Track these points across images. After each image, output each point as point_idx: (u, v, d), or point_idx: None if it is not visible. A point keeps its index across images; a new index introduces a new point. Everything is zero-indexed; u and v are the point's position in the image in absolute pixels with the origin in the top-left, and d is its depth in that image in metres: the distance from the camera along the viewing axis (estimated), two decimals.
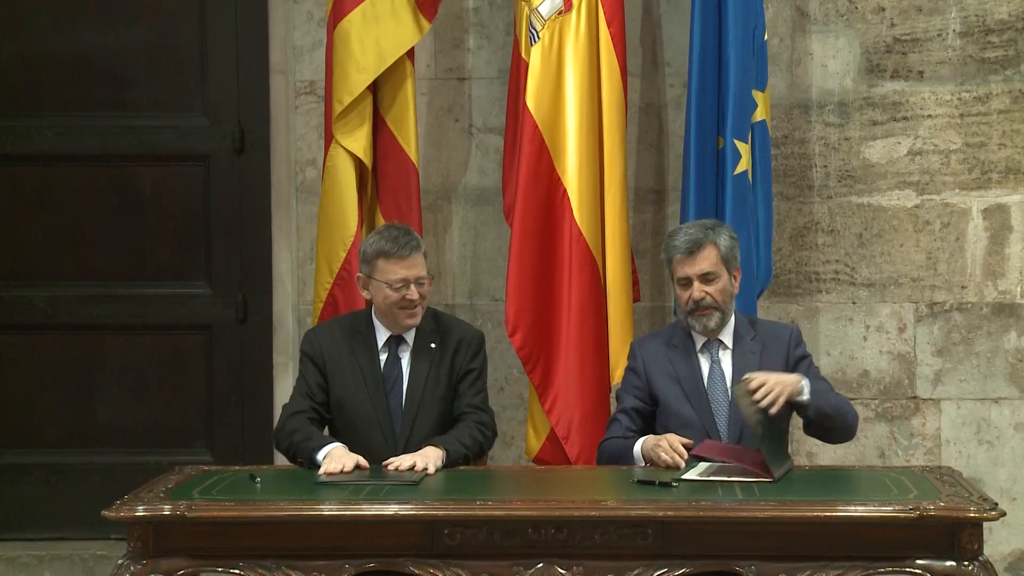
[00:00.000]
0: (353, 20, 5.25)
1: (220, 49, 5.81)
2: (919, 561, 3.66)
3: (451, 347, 4.60)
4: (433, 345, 4.58)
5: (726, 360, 4.49)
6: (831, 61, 5.59)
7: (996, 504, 3.71)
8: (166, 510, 3.76)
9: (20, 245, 5.87)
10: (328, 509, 3.78)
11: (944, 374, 5.61)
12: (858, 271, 5.62)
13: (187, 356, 5.88)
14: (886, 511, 3.68)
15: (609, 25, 5.25)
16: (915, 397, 5.62)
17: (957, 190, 5.57)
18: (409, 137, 5.33)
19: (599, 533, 3.71)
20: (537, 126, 5.19)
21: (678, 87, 5.60)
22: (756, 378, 4.16)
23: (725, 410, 4.43)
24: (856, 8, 5.57)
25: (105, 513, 3.79)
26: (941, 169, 5.57)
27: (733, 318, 4.53)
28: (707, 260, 4.44)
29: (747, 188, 5.21)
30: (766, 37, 5.34)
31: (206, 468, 4.35)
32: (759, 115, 5.27)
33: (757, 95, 5.25)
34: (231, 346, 5.85)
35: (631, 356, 4.66)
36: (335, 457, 4.21)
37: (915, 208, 5.59)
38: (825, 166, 5.61)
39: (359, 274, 4.59)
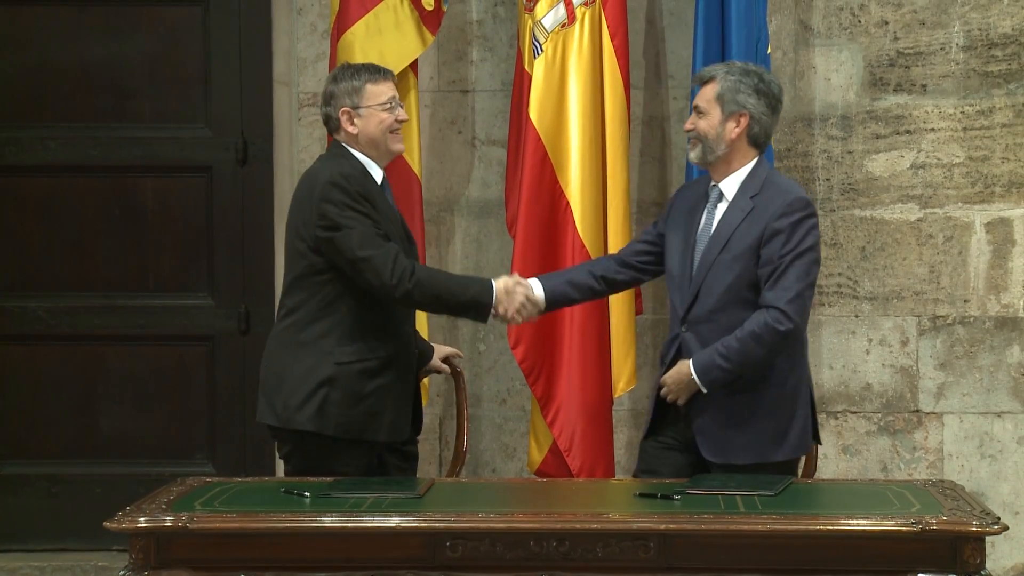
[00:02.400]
0: (357, 32, 5.26)
1: (223, 60, 5.81)
2: (921, 575, 3.65)
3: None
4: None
5: (720, 211, 4.42)
6: (834, 74, 5.60)
7: (999, 518, 3.70)
8: (168, 521, 3.75)
9: (22, 255, 5.87)
10: (330, 521, 3.77)
11: (947, 388, 5.60)
12: (861, 284, 5.61)
13: (189, 367, 5.87)
14: (888, 525, 3.67)
15: (612, 38, 5.26)
16: (917, 411, 5.61)
17: (960, 204, 5.57)
18: (412, 149, 5.33)
19: (601, 546, 3.71)
20: (540, 138, 5.21)
21: (681, 99, 5.60)
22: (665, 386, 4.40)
23: (700, 262, 4.41)
24: (859, 22, 5.58)
25: (107, 524, 3.78)
26: (944, 183, 5.57)
27: (747, 168, 4.42)
28: (702, 96, 4.45)
29: None
30: (769, 50, 5.35)
31: (208, 480, 4.34)
32: None
33: None
34: (233, 357, 5.85)
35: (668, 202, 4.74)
36: (511, 294, 4.47)
37: (918, 221, 5.59)
38: (828, 179, 5.61)
39: (344, 109, 4.45)
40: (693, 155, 4.47)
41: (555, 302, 4.64)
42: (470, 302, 4.46)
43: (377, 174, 4.50)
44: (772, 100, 4.44)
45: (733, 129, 4.39)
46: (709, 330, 4.36)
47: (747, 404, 4.34)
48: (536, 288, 4.57)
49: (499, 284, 4.47)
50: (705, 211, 4.46)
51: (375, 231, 4.35)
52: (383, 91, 4.48)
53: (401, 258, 4.34)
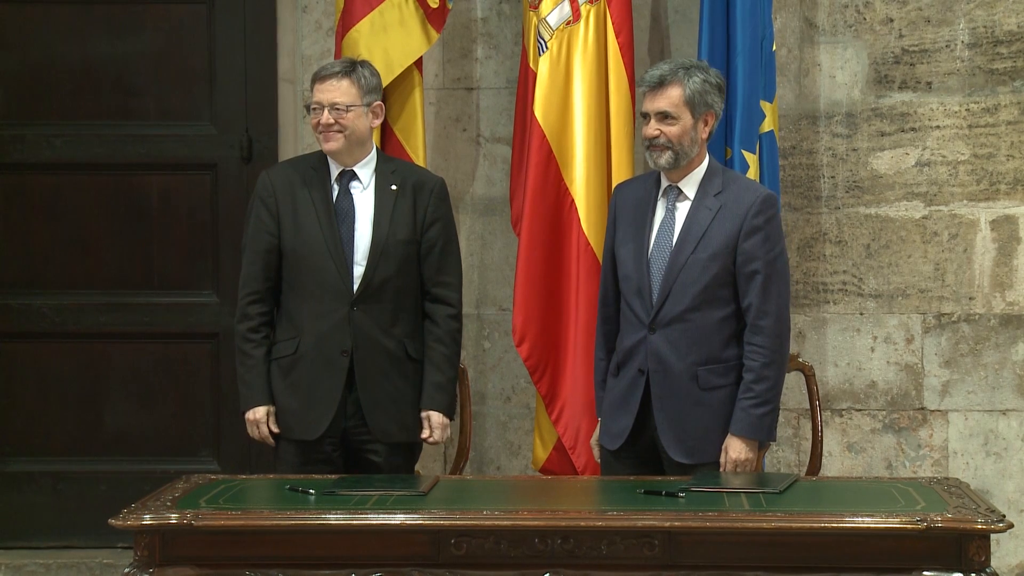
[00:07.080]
0: (361, 30, 5.26)
1: (228, 58, 5.81)
2: (926, 573, 3.64)
3: (410, 189, 4.66)
4: (394, 187, 4.63)
5: (682, 211, 4.38)
6: (839, 72, 5.59)
7: (1004, 516, 3.70)
8: (173, 519, 3.76)
9: (27, 253, 5.87)
10: (335, 518, 3.78)
11: (952, 385, 5.60)
12: (866, 282, 5.61)
13: (194, 365, 5.88)
14: (893, 522, 3.67)
15: (617, 35, 5.26)
16: (922, 408, 5.61)
17: (965, 201, 5.57)
18: (417, 147, 5.34)
19: (605, 543, 3.71)
20: (545, 136, 5.21)
21: None
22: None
23: (663, 263, 4.36)
24: (864, 19, 5.57)
25: (112, 521, 3.78)
26: (949, 180, 5.57)
27: (703, 166, 4.40)
28: (667, 100, 4.30)
29: None
30: (774, 48, 5.35)
31: (213, 477, 4.35)
32: (767, 126, 5.27)
33: (765, 106, 5.25)
34: None
35: (610, 203, 4.62)
36: (251, 423, 4.68)
37: (923, 219, 5.58)
38: (833, 177, 5.61)
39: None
40: (663, 161, 4.33)
41: None
42: (241, 389, 4.77)
43: (334, 168, 4.64)
44: (723, 94, 4.45)
45: (703, 130, 4.37)
46: (682, 330, 4.35)
47: (721, 402, 4.38)
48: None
49: (259, 411, 4.71)
50: (658, 210, 4.42)
51: (252, 248, 4.75)
52: (313, 94, 4.62)
53: (245, 301, 4.77)
